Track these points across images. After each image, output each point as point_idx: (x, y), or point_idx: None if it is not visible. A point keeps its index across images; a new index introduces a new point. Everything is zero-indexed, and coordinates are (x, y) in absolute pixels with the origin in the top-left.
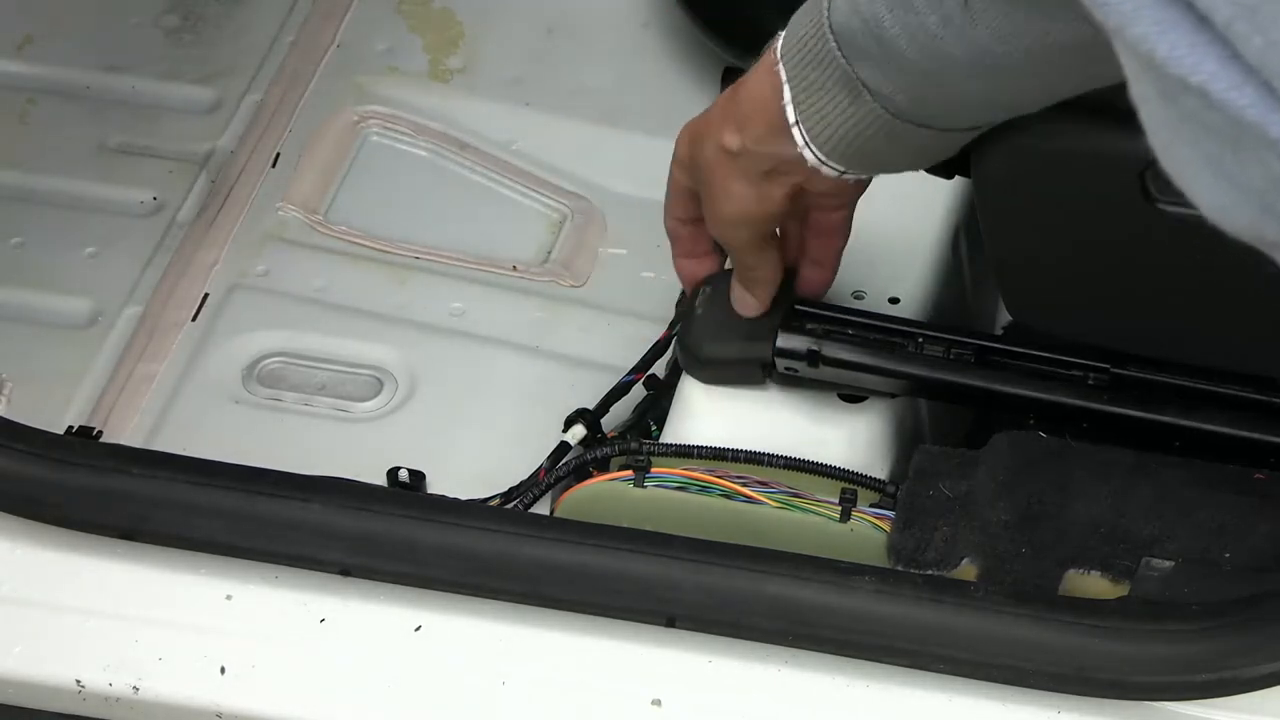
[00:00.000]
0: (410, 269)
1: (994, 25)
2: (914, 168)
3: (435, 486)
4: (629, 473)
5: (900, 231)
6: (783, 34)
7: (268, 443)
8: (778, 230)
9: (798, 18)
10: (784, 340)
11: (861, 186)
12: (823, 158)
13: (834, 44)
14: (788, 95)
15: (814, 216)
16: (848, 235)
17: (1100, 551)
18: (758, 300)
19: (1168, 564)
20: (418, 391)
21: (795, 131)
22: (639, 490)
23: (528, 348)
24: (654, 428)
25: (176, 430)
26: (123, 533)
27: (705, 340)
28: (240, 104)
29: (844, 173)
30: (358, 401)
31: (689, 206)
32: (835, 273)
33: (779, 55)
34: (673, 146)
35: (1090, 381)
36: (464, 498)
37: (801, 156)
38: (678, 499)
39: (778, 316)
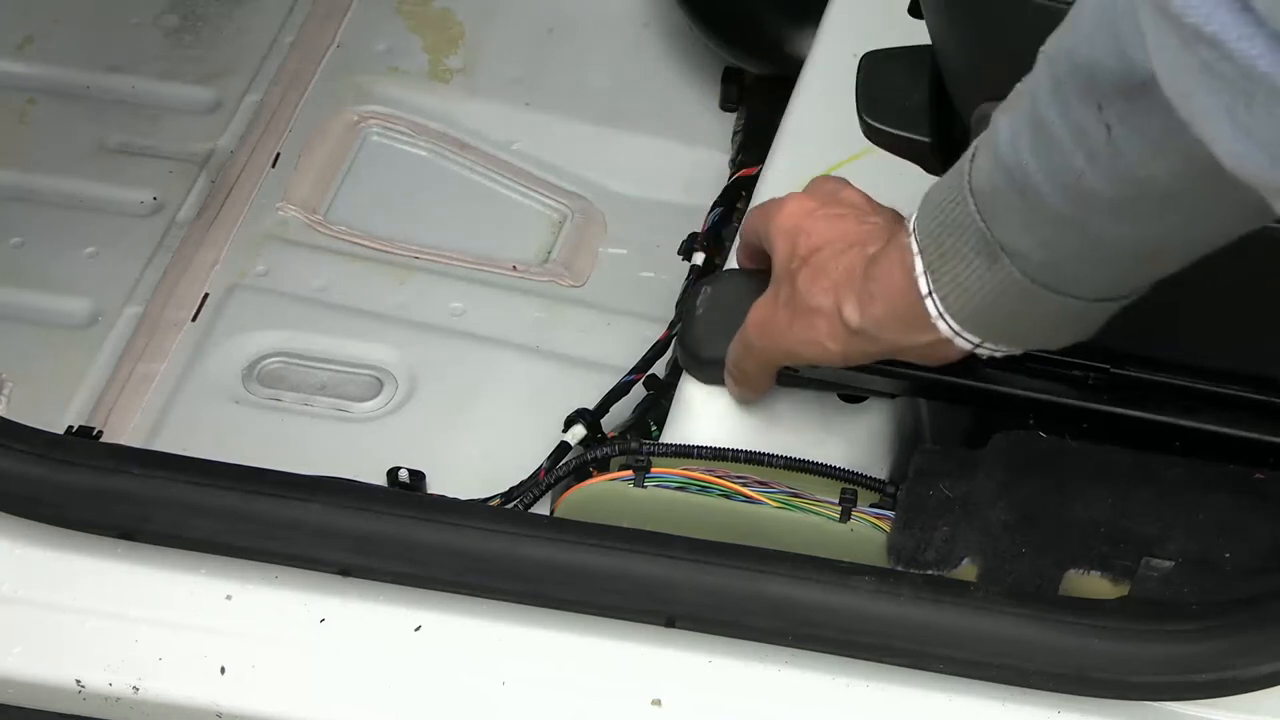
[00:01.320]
0: (410, 269)
1: (1136, 149)
2: (1053, 344)
3: (435, 486)
4: (629, 473)
5: None
6: (915, 211)
7: (268, 443)
8: None
9: (935, 188)
10: None
11: None
12: (957, 328)
13: (973, 206)
14: (919, 266)
15: None
16: None
17: (1100, 551)
18: (750, 396)
19: (1168, 564)
20: (418, 391)
21: (929, 303)
22: (639, 490)
23: (528, 348)
24: (654, 428)
25: (176, 430)
26: (123, 533)
27: (705, 340)
28: (240, 104)
29: (979, 345)
30: (358, 401)
31: (764, 251)
32: None
33: (913, 228)
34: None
35: (1090, 381)
36: (464, 498)
37: (934, 328)
38: (678, 499)
39: None
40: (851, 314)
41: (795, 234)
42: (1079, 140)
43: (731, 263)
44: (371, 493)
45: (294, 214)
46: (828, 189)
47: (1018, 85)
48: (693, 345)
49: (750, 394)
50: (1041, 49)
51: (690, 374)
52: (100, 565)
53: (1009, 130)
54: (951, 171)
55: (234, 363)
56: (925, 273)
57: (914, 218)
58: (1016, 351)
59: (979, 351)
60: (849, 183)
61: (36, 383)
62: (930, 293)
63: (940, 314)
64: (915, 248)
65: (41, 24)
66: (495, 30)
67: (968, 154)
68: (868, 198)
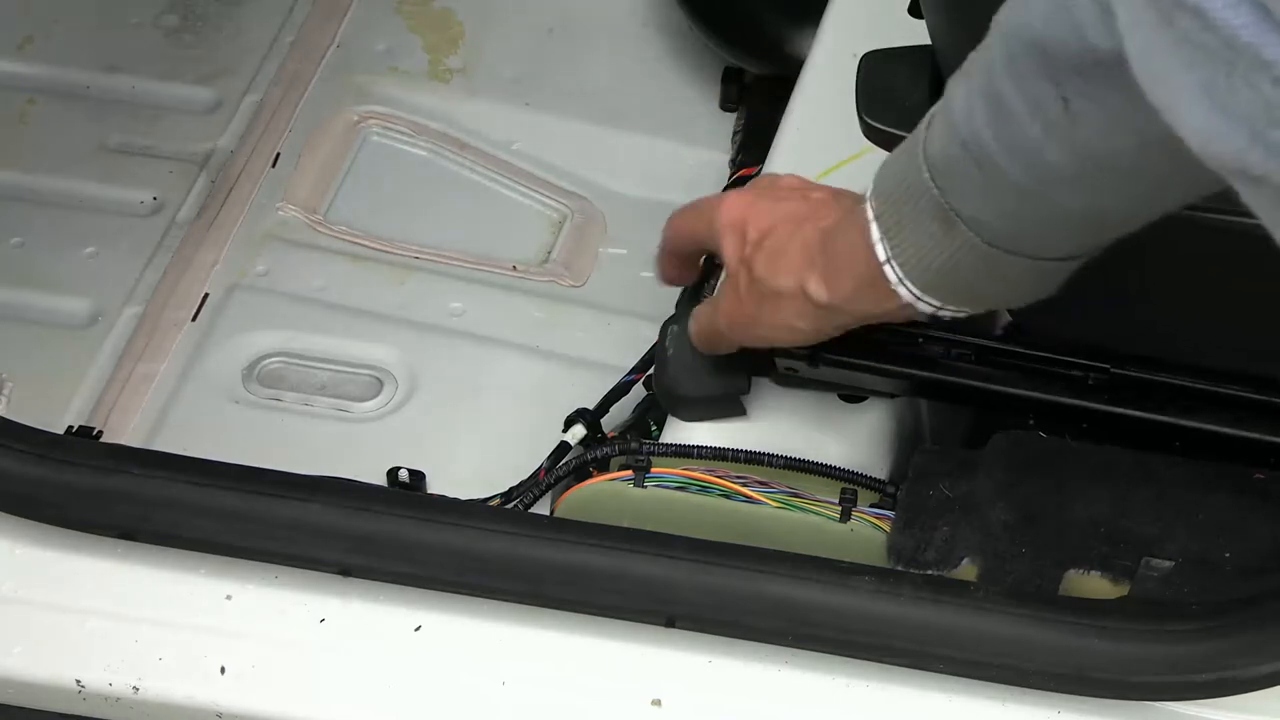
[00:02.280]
0: (410, 269)
1: (1094, 123)
2: (1014, 303)
3: (435, 486)
4: (629, 473)
5: None
6: (872, 181)
7: (268, 443)
8: None
9: (888, 162)
10: None
11: None
12: (918, 293)
13: (928, 175)
14: (876, 233)
15: None
16: None
17: (1100, 551)
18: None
19: (1168, 564)
20: (418, 391)
21: (888, 269)
22: (639, 490)
23: (528, 348)
24: (654, 428)
25: (176, 430)
26: (123, 533)
27: (681, 380)
28: (240, 104)
29: (940, 308)
30: (358, 401)
31: (695, 255)
32: None
33: (869, 196)
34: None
35: (1090, 381)
36: (464, 498)
37: (895, 294)
38: (678, 499)
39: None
40: (818, 290)
41: (742, 224)
42: (1035, 114)
43: None
44: (371, 493)
45: (294, 214)
46: (763, 182)
47: (971, 54)
48: (670, 386)
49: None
50: (995, 19)
51: (673, 414)
52: (100, 565)
53: (964, 101)
54: (908, 140)
55: (234, 363)
56: (882, 239)
57: (870, 187)
58: (979, 312)
59: (941, 314)
60: (785, 175)
61: (36, 383)
62: (889, 259)
63: (900, 280)
64: (871, 214)
65: (41, 24)
66: (495, 30)
67: (923, 122)
68: (804, 179)
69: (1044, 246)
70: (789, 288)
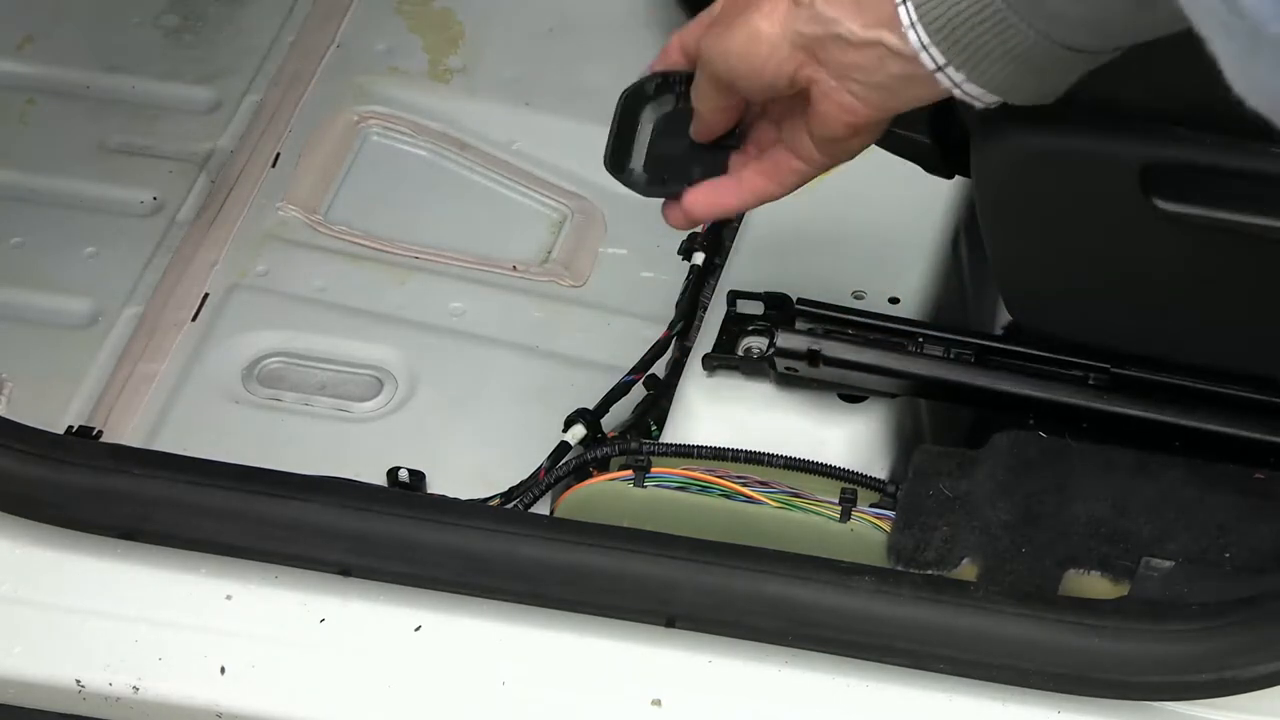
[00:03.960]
0: (410, 269)
1: None
2: (1010, 93)
3: (435, 486)
4: (629, 473)
5: (900, 231)
6: None
7: (268, 443)
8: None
9: None
10: (784, 340)
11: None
12: (926, 41)
13: None
14: None
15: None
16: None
17: (1100, 551)
18: (703, 130)
19: (1168, 564)
20: (418, 391)
21: (902, 11)
22: (639, 490)
23: (528, 348)
24: (654, 428)
25: (176, 430)
26: (123, 533)
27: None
28: (240, 104)
29: (943, 67)
30: (358, 401)
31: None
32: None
33: None
34: None
35: (1090, 381)
36: (464, 498)
37: (892, 23)
38: (678, 499)
39: None
40: None
41: None
42: None
43: (732, 264)
44: (371, 493)
45: (294, 214)
46: None
47: None
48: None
49: (711, 119)
50: None
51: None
52: (100, 565)
53: None
54: None
55: (234, 363)
56: None
57: None
58: (970, 83)
59: (923, 56)
60: None
61: (36, 383)
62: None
63: (913, 23)
64: None
65: (41, 24)
66: (495, 30)
67: None
68: None
69: (1069, 31)
70: None
